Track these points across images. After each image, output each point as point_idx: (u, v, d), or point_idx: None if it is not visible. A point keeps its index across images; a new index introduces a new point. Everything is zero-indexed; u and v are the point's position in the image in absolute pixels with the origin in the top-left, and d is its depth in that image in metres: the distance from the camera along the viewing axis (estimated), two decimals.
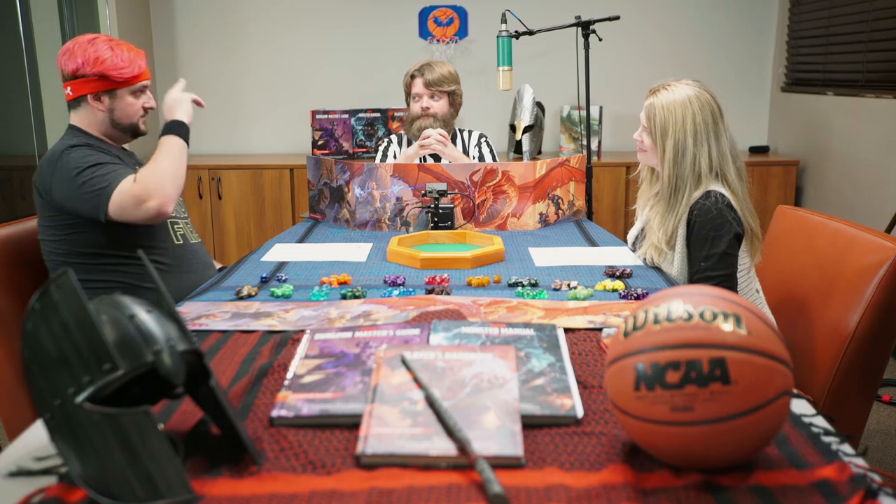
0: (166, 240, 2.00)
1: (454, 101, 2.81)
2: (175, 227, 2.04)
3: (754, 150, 4.19)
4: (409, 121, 2.80)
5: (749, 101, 4.28)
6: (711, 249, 1.73)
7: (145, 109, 2.00)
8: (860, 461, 0.91)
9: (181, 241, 2.04)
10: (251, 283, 1.76)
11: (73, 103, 1.95)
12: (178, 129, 1.98)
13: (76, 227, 1.87)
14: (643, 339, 0.89)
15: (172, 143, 1.94)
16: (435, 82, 2.73)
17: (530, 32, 2.76)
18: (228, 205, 3.92)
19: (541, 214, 2.38)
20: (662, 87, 1.82)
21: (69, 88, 1.93)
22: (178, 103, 2.04)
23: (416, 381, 1.05)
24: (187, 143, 1.98)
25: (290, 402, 1.06)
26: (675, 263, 1.81)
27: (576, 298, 1.60)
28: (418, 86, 2.75)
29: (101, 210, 1.81)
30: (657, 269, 1.84)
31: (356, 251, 2.06)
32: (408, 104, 2.84)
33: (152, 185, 1.82)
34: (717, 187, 1.77)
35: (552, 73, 4.12)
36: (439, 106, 2.76)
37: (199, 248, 2.12)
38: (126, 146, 2.09)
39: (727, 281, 1.73)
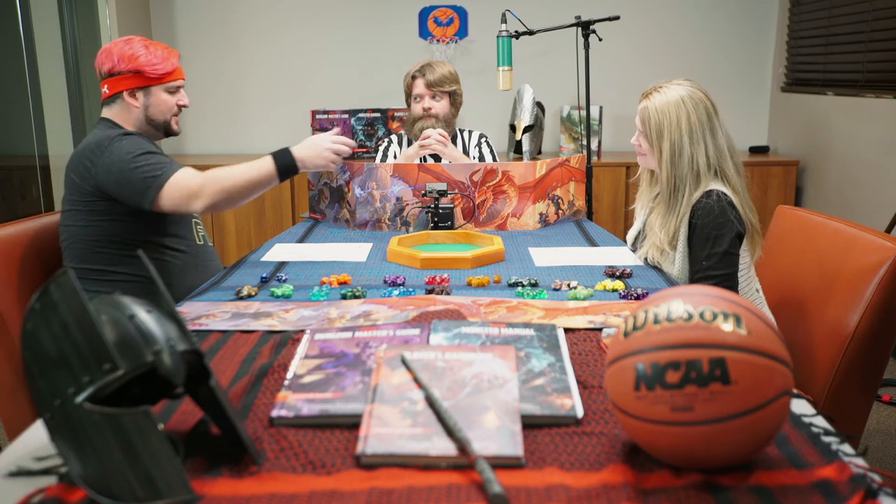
0: (190, 237, 2.07)
1: (455, 101, 2.81)
2: (197, 227, 2.11)
3: (754, 150, 4.19)
4: (411, 121, 2.79)
5: (749, 101, 4.28)
6: (713, 249, 1.73)
7: (179, 107, 2.04)
8: (860, 461, 0.91)
9: (202, 242, 2.11)
10: (251, 283, 1.76)
11: (109, 100, 1.99)
12: (282, 155, 1.93)
13: (110, 214, 1.91)
14: (643, 339, 0.89)
15: (261, 166, 1.91)
16: (436, 83, 2.72)
17: (530, 32, 2.76)
18: None
19: (541, 214, 2.38)
20: (654, 90, 1.82)
21: (106, 87, 1.97)
22: (310, 143, 1.97)
23: (416, 381, 1.05)
24: (280, 175, 1.92)
25: (290, 402, 1.06)
26: (677, 263, 1.81)
27: (576, 298, 1.60)
28: (419, 86, 2.75)
29: (149, 196, 1.84)
30: (657, 269, 1.84)
31: (356, 251, 2.06)
32: (408, 105, 2.84)
33: (211, 187, 1.85)
34: (718, 185, 1.77)
35: (552, 73, 4.12)
36: (441, 106, 2.76)
37: (213, 250, 2.17)
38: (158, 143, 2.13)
39: (728, 280, 1.73)
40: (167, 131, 2.04)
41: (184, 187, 1.85)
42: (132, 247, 1.93)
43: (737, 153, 1.84)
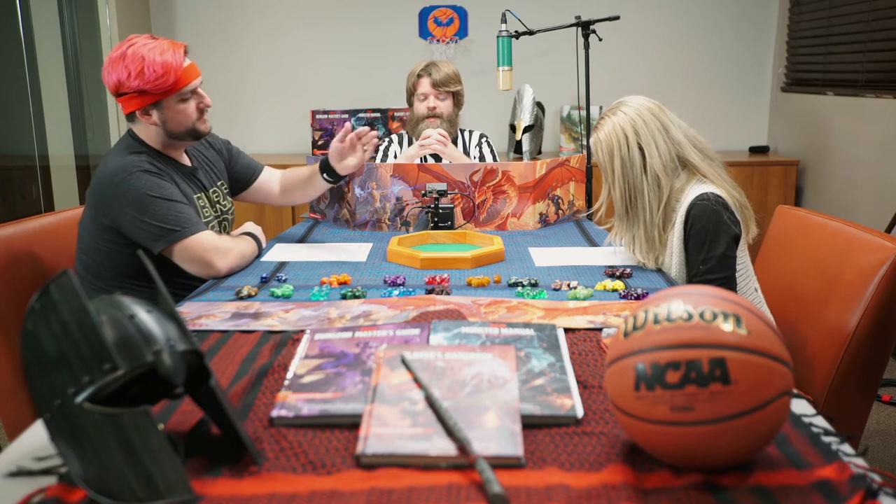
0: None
1: (458, 101, 2.80)
2: None
3: (754, 150, 4.19)
4: (414, 121, 2.78)
5: (749, 101, 4.28)
6: (710, 252, 1.73)
7: (200, 110, 1.90)
8: (860, 461, 0.91)
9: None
10: (251, 283, 1.76)
11: (129, 117, 1.88)
12: (255, 237, 2.03)
13: (122, 246, 1.83)
14: (643, 339, 0.89)
15: (250, 241, 1.99)
16: (442, 82, 2.72)
17: (530, 32, 2.76)
18: None
19: (541, 214, 2.38)
20: (599, 122, 1.83)
21: (120, 106, 1.86)
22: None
23: (416, 381, 1.05)
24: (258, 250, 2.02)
25: (290, 402, 1.06)
26: (674, 267, 1.80)
27: (576, 298, 1.60)
28: (425, 86, 2.74)
29: (159, 245, 1.79)
30: (657, 269, 1.84)
31: (356, 251, 2.06)
32: (410, 104, 2.83)
33: (231, 262, 1.84)
34: (706, 185, 1.76)
35: (552, 73, 4.12)
36: (445, 106, 2.75)
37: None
38: (187, 152, 2.06)
39: (726, 283, 1.73)
40: (195, 135, 1.92)
41: (204, 251, 1.79)
42: (138, 279, 1.86)
43: (700, 139, 1.82)
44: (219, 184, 2.10)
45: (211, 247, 1.81)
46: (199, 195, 1.99)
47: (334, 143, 2.09)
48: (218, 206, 2.07)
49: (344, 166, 2.11)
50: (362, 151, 2.11)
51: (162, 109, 1.84)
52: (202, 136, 1.95)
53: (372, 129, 2.17)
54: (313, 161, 2.48)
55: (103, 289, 1.87)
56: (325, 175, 2.14)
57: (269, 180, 2.24)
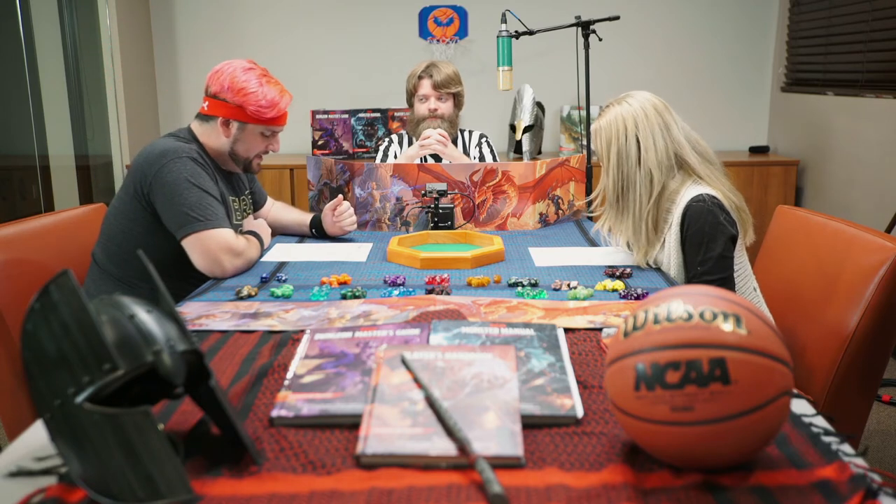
0: None
1: (459, 101, 2.80)
2: None
3: (754, 150, 4.19)
4: (415, 122, 2.78)
5: (749, 101, 4.28)
6: (707, 253, 1.73)
7: (266, 151, 2.01)
8: (860, 461, 0.91)
9: None
10: (251, 283, 1.76)
11: (205, 117, 1.96)
12: (259, 238, 2.04)
13: (152, 231, 1.87)
14: (643, 339, 0.89)
15: (257, 243, 2.00)
16: (443, 83, 2.71)
17: (530, 32, 2.76)
18: None
19: (541, 214, 2.38)
20: (604, 109, 1.85)
21: (206, 104, 1.94)
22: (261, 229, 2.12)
23: (416, 381, 1.05)
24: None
25: (290, 402, 1.06)
26: (672, 268, 1.80)
27: (576, 298, 1.60)
28: (426, 87, 2.74)
29: (182, 232, 1.83)
30: (657, 269, 1.84)
31: (356, 251, 2.07)
32: (410, 105, 2.83)
33: (238, 266, 1.85)
34: (701, 186, 1.76)
35: (552, 73, 4.12)
36: (446, 107, 2.75)
37: None
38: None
39: (724, 284, 1.73)
40: (246, 168, 2.03)
41: (219, 248, 1.81)
42: (159, 270, 1.85)
43: (702, 142, 1.83)
44: (246, 192, 2.18)
45: (225, 246, 1.83)
46: (233, 198, 2.06)
47: (327, 213, 2.21)
48: (246, 212, 2.14)
49: (336, 229, 2.22)
50: (351, 222, 2.22)
51: (243, 130, 1.95)
52: (250, 172, 2.07)
53: (344, 197, 2.27)
54: (313, 162, 2.48)
55: (121, 278, 1.90)
56: (313, 230, 2.27)
57: (266, 210, 2.36)
